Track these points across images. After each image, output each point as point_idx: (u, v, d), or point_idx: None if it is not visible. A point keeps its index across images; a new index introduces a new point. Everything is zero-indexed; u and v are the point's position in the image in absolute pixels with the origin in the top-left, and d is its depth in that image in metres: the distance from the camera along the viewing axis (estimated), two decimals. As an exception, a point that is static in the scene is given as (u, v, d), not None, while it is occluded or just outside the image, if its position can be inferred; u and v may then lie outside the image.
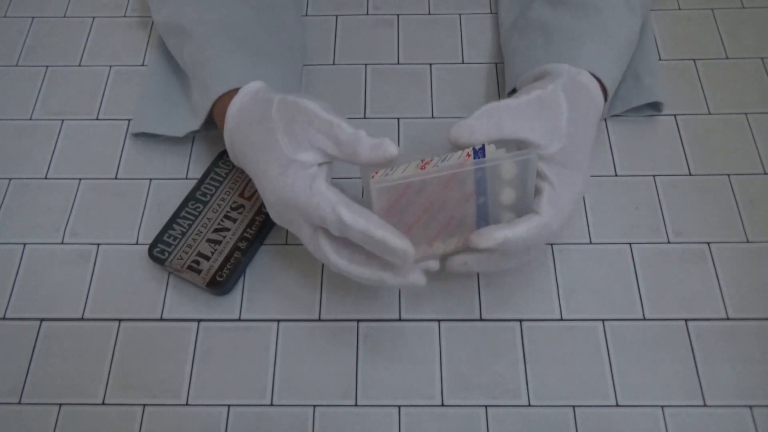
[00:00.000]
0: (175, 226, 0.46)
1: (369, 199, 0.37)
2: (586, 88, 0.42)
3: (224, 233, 0.45)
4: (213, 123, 0.47)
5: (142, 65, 0.56)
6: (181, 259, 0.44)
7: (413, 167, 0.37)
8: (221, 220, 0.46)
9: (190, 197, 0.47)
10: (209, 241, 0.45)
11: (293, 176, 0.37)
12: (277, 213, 0.40)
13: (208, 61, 0.45)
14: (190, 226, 0.46)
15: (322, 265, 0.46)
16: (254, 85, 0.43)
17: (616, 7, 0.46)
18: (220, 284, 0.43)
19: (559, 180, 0.38)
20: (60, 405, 0.42)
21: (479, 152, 0.37)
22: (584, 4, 0.46)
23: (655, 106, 0.51)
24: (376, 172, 0.36)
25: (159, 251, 0.45)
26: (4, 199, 0.50)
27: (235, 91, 0.43)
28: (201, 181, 0.48)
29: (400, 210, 0.37)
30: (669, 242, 0.47)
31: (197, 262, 0.44)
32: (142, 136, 0.52)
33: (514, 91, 0.49)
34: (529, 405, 0.41)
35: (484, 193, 0.38)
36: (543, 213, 0.37)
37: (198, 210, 0.46)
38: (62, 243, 0.48)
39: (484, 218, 0.39)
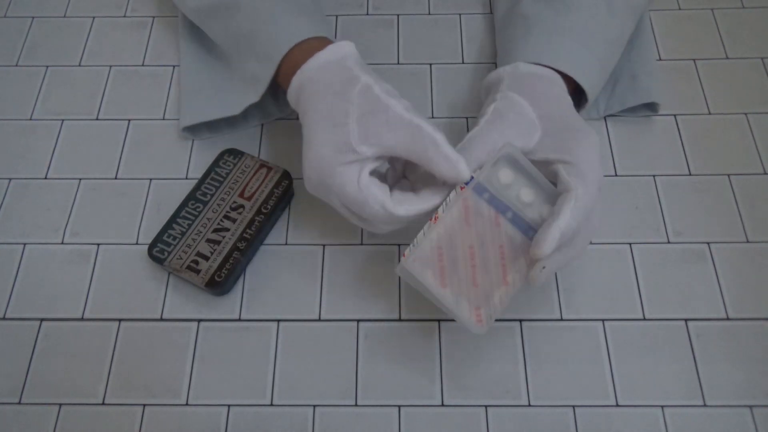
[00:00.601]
0: (174, 225, 0.46)
1: (412, 281, 0.37)
2: (530, 74, 0.42)
3: (224, 233, 0.45)
4: (271, 96, 0.46)
5: (142, 65, 0.56)
6: (180, 259, 0.44)
7: (428, 227, 0.37)
8: (221, 220, 0.46)
9: (190, 197, 0.47)
10: (208, 241, 0.45)
11: (345, 166, 0.37)
12: (312, 187, 0.40)
13: (265, 24, 0.44)
14: (189, 226, 0.46)
15: (322, 265, 0.46)
16: (345, 48, 0.42)
17: (596, 8, 0.46)
18: (218, 284, 0.43)
19: (565, 153, 0.38)
20: (60, 405, 0.42)
21: (470, 180, 0.38)
22: (565, 1, 0.46)
23: (651, 107, 0.51)
24: (404, 254, 0.37)
25: (158, 251, 0.45)
26: (4, 199, 0.50)
27: (302, 51, 0.42)
28: (201, 181, 0.48)
29: (450, 270, 0.37)
30: (669, 242, 0.47)
31: (196, 262, 0.44)
32: (191, 133, 0.51)
33: None
34: (529, 405, 0.41)
35: (506, 208, 0.38)
36: (570, 186, 0.37)
37: (198, 210, 0.46)
38: (62, 243, 0.48)
39: (528, 227, 0.39)
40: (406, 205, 0.37)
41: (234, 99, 0.49)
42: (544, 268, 0.37)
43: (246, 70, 0.47)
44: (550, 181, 0.39)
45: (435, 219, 0.37)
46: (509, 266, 0.38)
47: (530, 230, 0.38)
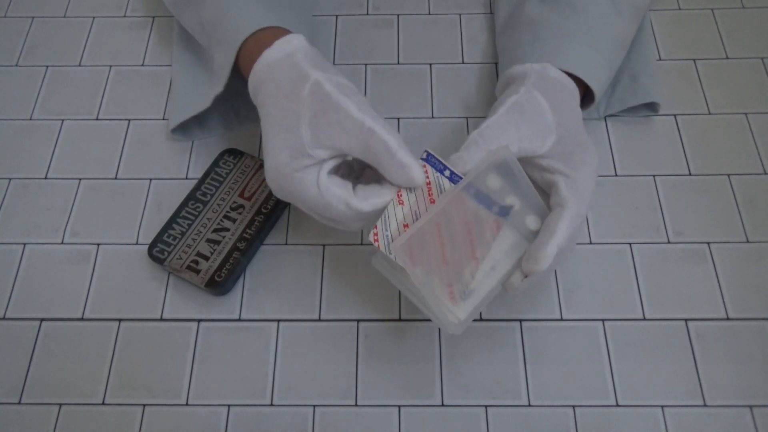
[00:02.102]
0: (174, 225, 0.46)
1: (382, 257, 0.37)
2: (556, 80, 0.42)
3: (223, 233, 0.45)
4: (238, 85, 0.45)
5: (142, 65, 0.56)
6: (180, 259, 0.44)
7: (392, 207, 0.37)
8: (221, 220, 0.46)
9: (190, 197, 0.47)
10: (208, 241, 0.45)
11: (302, 171, 0.37)
12: (276, 193, 0.39)
13: (225, 11, 0.43)
14: (189, 226, 0.46)
15: (322, 265, 0.46)
16: (293, 42, 0.40)
17: (603, 9, 0.46)
18: (218, 284, 0.43)
19: (569, 167, 0.38)
20: (60, 405, 0.42)
21: (431, 159, 0.37)
22: (572, 4, 0.46)
23: (652, 107, 0.51)
24: (374, 238, 0.36)
25: (158, 251, 0.45)
26: (4, 199, 0.50)
27: (256, 43, 0.41)
28: (201, 181, 0.48)
29: (418, 249, 0.36)
30: (669, 242, 0.47)
31: (196, 262, 0.44)
32: (182, 135, 0.51)
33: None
34: (529, 405, 0.41)
35: (469, 185, 0.38)
36: (568, 204, 0.37)
37: (198, 210, 0.46)
38: (62, 243, 0.48)
39: (491, 202, 0.38)
40: (372, 199, 0.37)
41: (205, 94, 0.47)
42: (525, 277, 0.37)
43: (214, 61, 0.46)
44: (541, 188, 0.39)
45: (399, 198, 0.37)
46: (476, 241, 0.38)
47: (493, 205, 0.38)
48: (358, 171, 0.41)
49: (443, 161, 0.38)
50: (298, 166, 0.36)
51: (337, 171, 0.40)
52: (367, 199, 0.36)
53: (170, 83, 0.54)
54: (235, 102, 0.51)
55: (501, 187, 0.38)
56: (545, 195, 0.40)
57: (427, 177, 0.37)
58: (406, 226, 0.37)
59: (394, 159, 0.35)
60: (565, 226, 0.37)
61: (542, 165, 0.39)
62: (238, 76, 0.43)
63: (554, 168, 0.38)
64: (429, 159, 0.37)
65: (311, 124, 0.37)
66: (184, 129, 0.51)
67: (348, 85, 0.38)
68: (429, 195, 0.37)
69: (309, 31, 0.49)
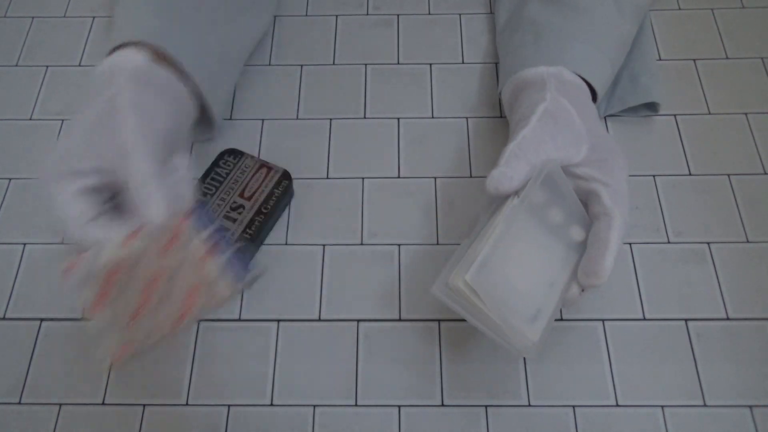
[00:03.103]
0: (175, 226, 0.46)
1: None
2: (572, 83, 0.42)
3: (224, 233, 0.45)
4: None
5: (142, 65, 0.56)
6: (181, 259, 0.44)
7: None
8: (221, 221, 0.46)
9: (190, 197, 0.47)
10: (209, 241, 0.45)
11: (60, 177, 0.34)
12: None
13: (119, 15, 0.42)
14: (190, 226, 0.46)
15: (322, 265, 0.46)
16: (129, 57, 0.38)
17: (606, 9, 0.46)
18: (220, 284, 0.43)
19: (606, 174, 0.38)
20: (60, 405, 0.42)
21: (199, 211, 0.35)
22: (575, 5, 0.46)
23: (652, 107, 0.51)
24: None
25: (159, 251, 0.45)
26: (4, 199, 0.50)
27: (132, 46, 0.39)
28: (201, 182, 0.48)
29: (114, 296, 0.34)
30: (669, 242, 0.47)
31: (197, 262, 0.44)
32: None
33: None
34: (529, 405, 0.41)
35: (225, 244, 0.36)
36: (615, 214, 0.38)
37: (198, 210, 0.46)
38: (63, 243, 0.48)
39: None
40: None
41: None
42: (582, 290, 0.38)
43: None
44: (580, 197, 0.39)
45: (126, 242, 0.33)
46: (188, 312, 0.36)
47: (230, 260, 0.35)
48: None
49: (212, 217, 0.35)
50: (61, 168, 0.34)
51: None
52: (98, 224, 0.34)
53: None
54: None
55: (547, 198, 0.38)
56: (582, 203, 0.40)
57: (179, 226, 0.34)
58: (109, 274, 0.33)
59: (144, 188, 0.34)
60: (617, 236, 0.37)
61: (578, 173, 0.39)
62: None
63: (591, 176, 0.38)
64: (198, 210, 0.35)
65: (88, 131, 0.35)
66: None
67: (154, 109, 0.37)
68: (169, 243, 0.34)
69: (203, 55, 0.45)
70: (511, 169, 0.37)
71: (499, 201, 0.38)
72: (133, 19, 0.41)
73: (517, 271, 0.36)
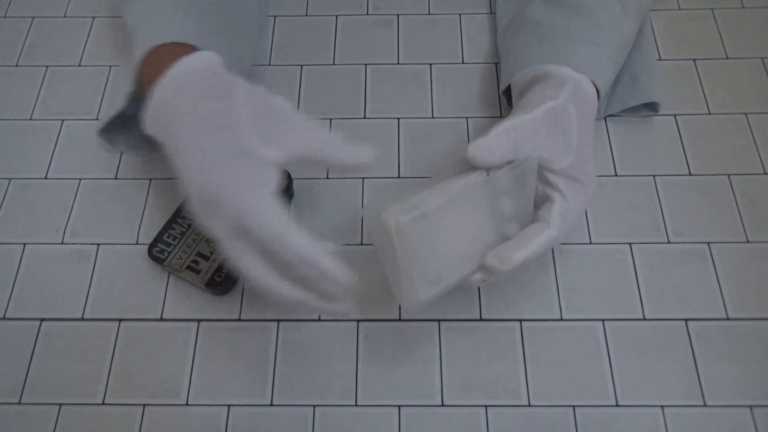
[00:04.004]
0: (174, 226, 0.46)
1: (378, 235, 0.35)
2: (587, 97, 0.42)
3: (224, 233, 0.45)
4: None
5: (142, 65, 0.56)
6: (180, 259, 0.44)
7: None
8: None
9: (190, 197, 0.47)
10: (208, 240, 0.45)
11: (243, 172, 0.33)
12: (200, 201, 0.34)
13: (150, 16, 0.41)
14: (189, 226, 0.46)
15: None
16: (211, 58, 0.37)
17: (610, 9, 0.46)
18: (218, 284, 0.43)
19: (572, 192, 0.39)
20: (60, 405, 0.42)
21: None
22: (578, 5, 0.46)
23: (652, 107, 0.51)
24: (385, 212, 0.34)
25: (158, 251, 0.45)
26: (4, 199, 0.50)
27: (170, 53, 0.37)
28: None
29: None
30: (669, 242, 0.47)
31: (196, 262, 0.44)
32: (105, 141, 0.49)
33: (508, 90, 0.49)
34: (529, 405, 0.41)
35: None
36: (554, 226, 0.38)
37: (198, 210, 0.46)
38: (62, 243, 0.48)
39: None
40: (307, 243, 0.33)
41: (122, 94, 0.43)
42: (485, 281, 0.38)
43: (132, 59, 0.42)
44: (537, 198, 0.40)
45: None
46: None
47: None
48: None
49: None
50: (239, 167, 0.33)
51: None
52: (302, 237, 0.33)
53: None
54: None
55: (506, 189, 0.38)
56: (536, 204, 0.41)
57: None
58: None
59: (343, 146, 0.36)
60: (542, 243, 0.37)
61: (549, 178, 0.39)
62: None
63: (558, 186, 0.39)
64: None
65: (253, 123, 0.34)
66: (109, 136, 0.48)
67: (269, 91, 0.37)
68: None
69: (242, 55, 0.48)
70: (497, 144, 0.36)
71: (469, 166, 0.38)
72: (166, 21, 0.41)
73: (443, 236, 0.36)
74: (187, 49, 0.38)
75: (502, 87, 0.49)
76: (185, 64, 0.36)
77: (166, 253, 0.45)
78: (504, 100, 0.51)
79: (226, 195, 0.33)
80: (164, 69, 0.36)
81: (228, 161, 0.33)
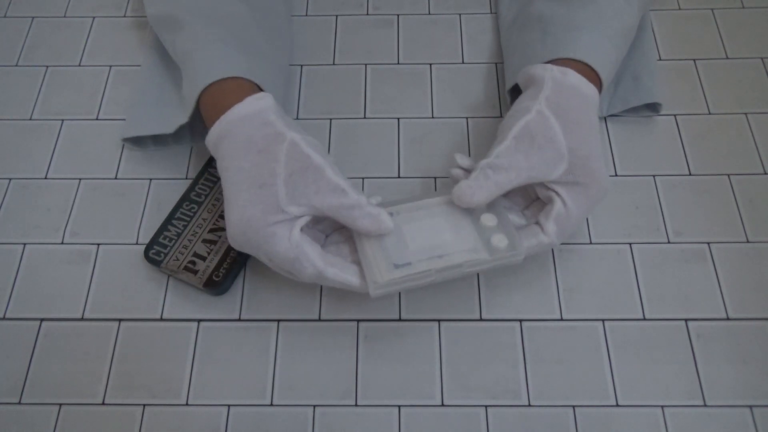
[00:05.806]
0: (170, 227, 0.46)
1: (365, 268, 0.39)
2: (575, 89, 0.41)
3: (220, 233, 0.45)
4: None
5: (142, 65, 0.56)
6: (177, 260, 0.44)
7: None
8: (216, 220, 0.46)
9: (184, 198, 0.47)
10: (205, 241, 0.45)
11: (274, 226, 0.37)
12: (238, 245, 0.39)
13: (197, 50, 0.44)
14: (185, 227, 0.46)
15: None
16: (265, 100, 0.40)
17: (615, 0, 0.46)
18: (216, 284, 0.43)
19: (572, 197, 0.39)
20: (60, 405, 0.42)
21: None
22: None
23: (653, 107, 0.51)
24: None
25: (155, 253, 0.45)
26: (4, 199, 0.50)
27: (222, 92, 0.41)
28: (195, 182, 0.48)
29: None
30: (669, 242, 0.47)
31: (193, 263, 0.44)
32: (132, 142, 0.50)
33: (513, 89, 0.49)
34: (529, 405, 0.41)
35: None
36: (548, 233, 0.39)
37: (193, 211, 0.46)
38: (62, 243, 0.48)
39: None
40: (336, 269, 0.38)
41: (171, 116, 0.48)
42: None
43: (183, 88, 0.46)
44: (535, 193, 0.42)
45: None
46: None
47: None
48: (328, 230, 0.43)
49: None
50: (271, 221, 0.37)
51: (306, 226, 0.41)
52: (333, 266, 0.38)
53: (136, 84, 0.54)
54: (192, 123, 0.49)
55: (486, 207, 0.41)
56: (540, 202, 0.42)
57: None
58: None
59: (364, 211, 0.38)
60: (528, 245, 0.39)
61: (546, 186, 0.40)
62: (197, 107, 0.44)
63: (557, 191, 0.39)
64: None
65: (287, 183, 0.38)
66: (137, 140, 0.50)
67: (319, 144, 0.40)
68: None
69: (282, 81, 0.50)
70: (476, 186, 0.38)
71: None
72: (218, 57, 0.43)
73: (413, 231, 0.40)
74: (241, 85, 0.42)
75: (508, 86, 0.49)
76: (238, 110, 0.40)
77: (162, 255, 0.45)
78: (507, 100, 0.51)
79: (256, 238, 0.38)
80: (221, 107, 0.40)
81: (259, 211, 0.37)
